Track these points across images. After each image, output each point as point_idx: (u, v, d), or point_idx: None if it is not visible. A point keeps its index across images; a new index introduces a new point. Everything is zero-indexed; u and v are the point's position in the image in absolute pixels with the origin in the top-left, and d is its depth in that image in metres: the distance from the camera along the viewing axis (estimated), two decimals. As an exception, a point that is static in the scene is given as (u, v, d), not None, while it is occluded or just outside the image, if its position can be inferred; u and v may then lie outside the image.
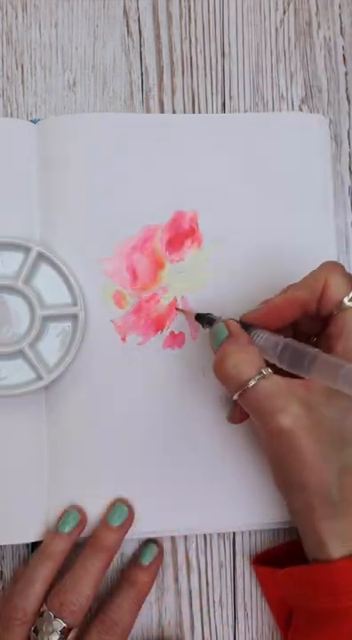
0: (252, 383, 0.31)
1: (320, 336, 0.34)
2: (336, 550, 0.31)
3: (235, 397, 0.32)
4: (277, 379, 0.31)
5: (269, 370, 0.31)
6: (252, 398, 0.31)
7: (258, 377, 0.31)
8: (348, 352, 0.31)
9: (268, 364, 0.32)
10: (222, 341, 0.33)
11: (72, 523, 0.37)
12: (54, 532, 0.36)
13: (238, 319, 0.34)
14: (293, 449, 0.30)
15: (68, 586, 0.34)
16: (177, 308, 0.39)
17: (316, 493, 0.31)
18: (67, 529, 0.36)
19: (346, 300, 0.31)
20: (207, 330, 0.36)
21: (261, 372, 0.31)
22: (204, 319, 0.36)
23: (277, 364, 0.31)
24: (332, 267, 0.33)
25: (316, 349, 0.30)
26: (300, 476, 0.31)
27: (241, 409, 0.33)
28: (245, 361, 0.31)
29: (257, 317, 0.33)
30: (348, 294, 0.31)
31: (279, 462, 0.32)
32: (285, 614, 0.37)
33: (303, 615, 0.34)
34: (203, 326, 0.37)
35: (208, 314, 0.36)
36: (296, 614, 0.35)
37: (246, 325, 0.34)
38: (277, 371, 0.31)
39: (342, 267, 0.33)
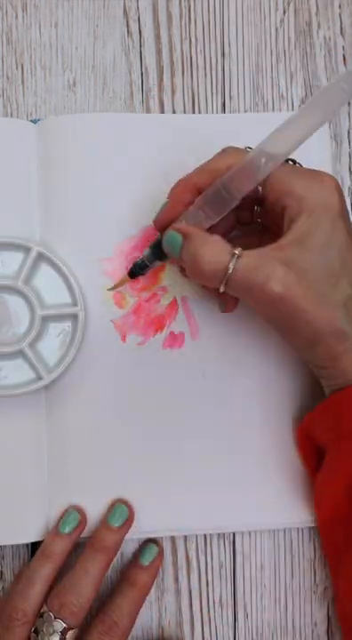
0: (231, 268, 0.31)
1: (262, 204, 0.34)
2: None
3: (222, 289, 0.32)
4: (251, 252, 0.31)
5: (240, 248, 0.31)
6: (236, 281, 0.31)
7: (233, 260, 0.31)
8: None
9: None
10: (182, 246, 0.32)
11: (72, 523, 0.37)
12: (54, 532, 0.36)
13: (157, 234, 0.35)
14: (293, 308, 0.31)
15: (68, 586, 0.34)
16: (110, 289, 0.38)
17: (329, 335, 0.31)
18: (67, 529, 0.36)
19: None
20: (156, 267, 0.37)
21: (234, 254, 0.31)
22: (136, 268, 0.37)
23: (214, 220, 0.32)
24: (229, 150, 0.33)
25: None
26: (310, 328, 0.31)
27: (230, 296, 0.34)
28: (214, 251, 0.31)
29: (167, 214, 0.34)
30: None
31: (286, 326, 0.32)
32: (316, 463, 0.37)
33: (329, 453, 0.35)
34: (143, 274, 0.37)
35: (134, 262, 0.37)
36: (328, 454, 0.35)
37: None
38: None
39: (236, 147, 0.33)
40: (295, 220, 0.31)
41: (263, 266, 0.30)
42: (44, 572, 0.35)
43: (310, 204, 0.31)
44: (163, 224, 0.34)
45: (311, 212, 0.31)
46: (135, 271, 0.37)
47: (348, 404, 0.32)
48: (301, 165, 0.34)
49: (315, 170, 0.33)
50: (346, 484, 0.33)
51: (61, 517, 0.37)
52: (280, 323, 0.33)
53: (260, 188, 0.32)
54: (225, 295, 0.33)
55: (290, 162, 0.33)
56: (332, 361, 0.32)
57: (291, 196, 0.31)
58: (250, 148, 0.33)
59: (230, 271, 0.31)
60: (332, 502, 0.35)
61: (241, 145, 0.39)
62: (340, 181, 0.41)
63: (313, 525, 0.39)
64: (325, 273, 0.31)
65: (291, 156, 0.33)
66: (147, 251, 0.36)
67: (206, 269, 0.31)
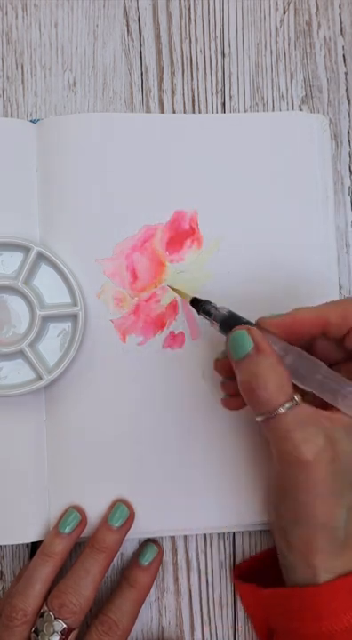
0: (281, 411, 0.30)
1: (344, 366, 0.33)
2: (322, 578, 0.31)
3: (258, 419, 0.31)
4: (306, 408, 0.30)
5: (300, 397, 0.30)
6: (277, 426, 0.30)
7: (290, 404, 0.30)
8: None
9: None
10: (248, 355, 0.31)
11: (72, 523, 0.37)
12: (54, 532, 0.36)
13: (253, 321, 0.33)
14: (309, 480, 0.30)
15: (68, 586, 0.34)
16: (170, 286, 0.37)
17: (322, 527, 0.30)
18: (67, 529, 0.36)
19: None
20: (210, 325, 0.34)
21: (294, 400, 0.30)
22: (201, 307, 0.34)
23: (309, 389, 0.31)
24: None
25: (323, 366, 0.30)
26: (311, 508, 0.30)
27: (241, 397, 0.32)
28: (277, 385, 0.30)
29: (278, 325, 0.32)
30: None
31: (290, 492, 0.31)
32: (267, 631, 0.36)
33: (284, 636, 0.34)
34: (198, 313, 0.34)
35: (207, 301, 0.34)
36: (277, 634, 0.34)
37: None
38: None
39: None
40: None
41: (310, 427, 0.29)
42: (44, 571, 0.35)
43: None
44: (263, 327, 0.32)
45: None
46: (198, 307, 0.34)
47: (319, 601, 0.30)
48: None
49: None
50: None
51: (61, 517, 0.37)
52: (288, 485, 0.31)
53: None
54: (236, 394, 0.32)
55: None
56: (305, 549, 0.31)
57: None
58: None
59: (280, 412, 0.30)
60: None
61: (241, 145, 0.40)
62: (340, 182, 0.41)
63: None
64: None
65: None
66: (220, 314, 0.33)
67: (259, 395, 0.30)
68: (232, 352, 0.31)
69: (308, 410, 0.30)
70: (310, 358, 0.31)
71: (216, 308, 0.34)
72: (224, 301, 0.39)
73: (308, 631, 0.31)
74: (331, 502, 0.30)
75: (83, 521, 0.37)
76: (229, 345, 0.32)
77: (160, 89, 0.41)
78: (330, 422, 0.30)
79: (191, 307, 0.35)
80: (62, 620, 0.34)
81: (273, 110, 0.41)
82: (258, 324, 0.33)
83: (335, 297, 0.40)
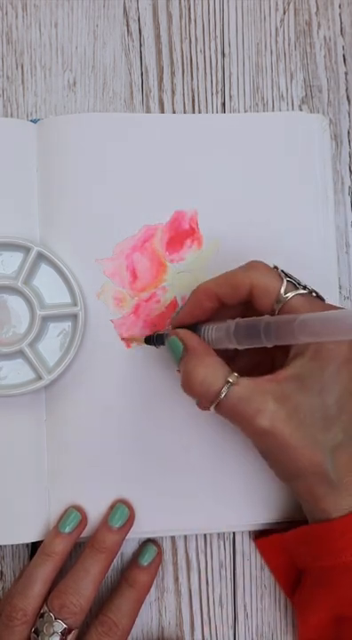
0: (223, 394, 0.31)
1: None
2: (333, 515, 0.32)
3: (211, 410, 0.32)
4: (246, 382, 0.31)
5: (236, 375, 0.31)
6: (226, 407, 0.31)
7: (227, 386, 0.31)
8: None
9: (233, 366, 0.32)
10: (181, 357, 0.33)
11: (72, 523, 0.37)
12: (54, 531, 0.36)
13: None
14: (279, 443, 0.30)
15: (68, 587, 0.35)
16: (125, 338, 0.38)
17: (312, 476, 0.31)
18: (67, 529, 0.36)
19: (281, 293, 0.31)
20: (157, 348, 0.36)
21: (228, 381, 0.31)
22: (153, 339, 0.36)
23: (237, 347, 0.31)
24: (255, 266, 0.33)
25: (266, 316, 0.30)
26: (293, 466, 0.31)
27: None
28: (210, 374, 0.31)
29: (184, 317, 0.34)
30: (279, 288, 0.31)
31: (270, 457, 0.33)
32: (291, 581, 0.37)
33: (309, 575, 0.35)
34: (156, 346, 0.36)
35: (155, 332, 0.37)
36: (304, 576, 0.36)
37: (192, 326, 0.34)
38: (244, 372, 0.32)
39: (264, 264, 0.33)
40: (300, 356, 0.31)
41: (255, 397, 0.30)
42: (44, 571, 0.35)
43: (319, 344, 0.31)
44: (178, 325, 0.35)
45: (317, 352, 0.31)
46: (150, 340, 0.37)
47: (333, 536, 0.32)
48: (323, 299, 0.33)
49: (332, 308, 0.32)
50: (329, 616, 0.34)
51: (62, 517, 0.37)
52: (265, 453, 0.33)
53: (276, 310, 0.32)
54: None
55: (313, 293, 0.32)
56: (312, 499, 0.32)
57: None
58: (276, 267, 0.33)
59: (222, 397, 0.31)
60: (317, 630, 0.35)
61: (241, 145, 0.40)
62: (340, 182, 0.41)
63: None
64: (319, 416, 0.31)
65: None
66: (155, 335, 0.36)
67: (198, 389, 0.31)
68: (173, 360, 0.34)
69: (248, 382, 0.31)
70: (249, 319, 0.32)
71: (162, 334, 0.36)
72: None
73: (330, 563, 0.32)
74: (309, 453, 0.30)
75: (83, 521, 0.37)
76: (169, 352, 0.34)
77: (160, 89, 0.41)
78: (275, 383, 0.31)
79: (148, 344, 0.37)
80: (62, 620, 0.34)
81: (273, 110, 0.41)
82: (173, 326, 0.35)
83: (335, 297, 0.40)
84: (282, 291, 0.31)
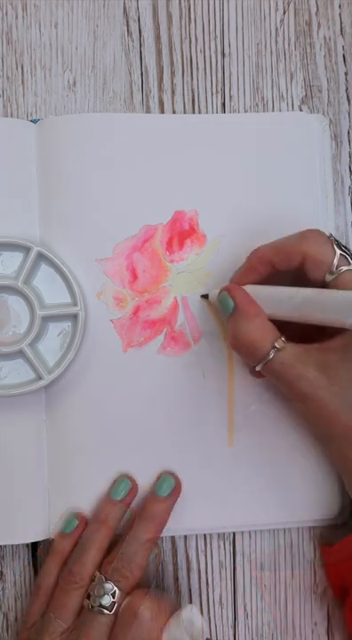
0: (268, 357, 0.32)
1: None
2: None
3: (258, 368, 0.33)
4: (292, 348, 0.32)
5: (283, 340, 0.32)
6: (271, 369, 0.33)
7: (273, 352, 0.32)
8: None
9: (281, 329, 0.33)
10: (231, 314, 0.33)
11: (124, 490, 0.37)
12: (107, 499, 0.37)
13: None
14: (318, 407, 0.32)
15: (120, 553, 0.35)
16: (202, 295, 0.39)
17: (344, 441, 0.32)
18: (119, 496, 0.37)
19: (334, 266, 0.32)
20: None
21: (275, 347, 0.32)
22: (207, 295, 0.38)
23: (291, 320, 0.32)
24: (310, 235, 0.33)
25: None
26: (329, 430, 0.32)
27: None
28: (259, 334, 0.32)
29: (239, 281, 0.35)
30: (332, 261, 0.32)
31: (308, 420, 0.35)
32: (341, 589, 0.37)
33: None
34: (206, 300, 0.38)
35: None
36: (349, 593, 0.36)
37: None
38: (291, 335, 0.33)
39: (319, 232, 0.33)
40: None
41: (299, 364, 0.32)
42: (98, 537, 0.36)
43: None
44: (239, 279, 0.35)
45: None
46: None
47: None
48: None
49: None
50: None
51: (113, 485, 0.37)
52: (304, 414, 0.34)
53: (329, 281, 0.33)
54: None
55: None
56: (344, 461, 0.33)
57: None
58: (331, 236, 0.33)
59: (269, 358, 0.32)
60: None
61: (241, 145, 0.40)
62: (340, 182, 0.41)
63: (313, 525, 0.39)
64: None
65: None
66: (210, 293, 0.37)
67: (244, 350, 0.33)
68: (221, 314, 0.35)
69: (294, 349, 0.32)
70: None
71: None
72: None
73: None
74: (344, 419, 0.32)
75: (134, 487, 0.38)
76: (218, 308, 0.35)
77: (160, 89, 0.41)
78: (319, 352, 0.32)
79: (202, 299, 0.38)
80: (114, 582, 0.34)
81: (273, 110, 0.41)
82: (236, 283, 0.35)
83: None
84: (334, 263, 0.32)
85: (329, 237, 0.33)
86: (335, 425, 0.32)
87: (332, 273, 0.32)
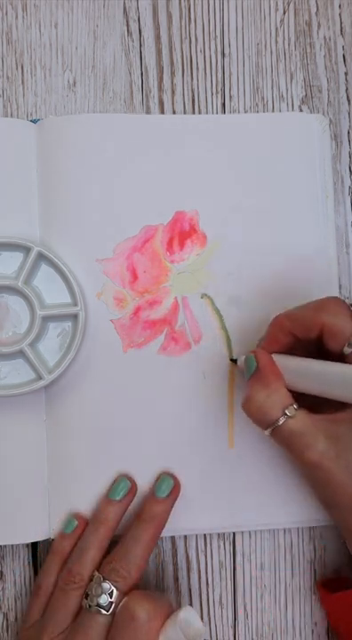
0: (279, 423, 0.32)
1: None
2: None
3: (266, 433, 0.33)
4: (302, 416, 0.32)
5: (295, 407, 0.32)
6: (280, 436, 0.32)
7: (283, 418, 0.32)
8: None
9: (296, 396, 0.33)
10: (250, 376, 0.34)
11: (123, 490, 0.37)
12: (106, 499, 0.37)
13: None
14: (324, 478, 0.32)
15: (118, 554, 0.35)
16: (232, 359, 0.39)
17: (348, 511, 0.32)
18: (118, 496, 0.37)
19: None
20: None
21: (285, 414, 0.32)
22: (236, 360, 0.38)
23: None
24: (327, 305, 0.33)
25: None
26: (333, 499, 0.33)
27: None
28: (269, 401, 0.32)
29: (267, 348, 0.35)
30: (350, 333, 0.32)
31: (314, 487, 0.34)
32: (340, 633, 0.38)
33: None
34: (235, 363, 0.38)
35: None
36: None
37: None
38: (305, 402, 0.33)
39: (337, 302, 0.33)
40: None
41: (308, 434, 0.32)
42: (97, 538, 0.36)
43: None
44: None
45: None
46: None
47: None
48: None
49: None
50: None
51: (112, 485, 0.37)
52: (311, 481, 0.34)
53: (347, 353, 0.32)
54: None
55: None
56: (348, 531, 0.33)
57: None
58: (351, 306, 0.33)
59: (278, 424, 0.32)
60: None
61: (241, 145, 0.40)
62: (340, 182, 0.41)
63: (313, 525, 0.39)
64: None
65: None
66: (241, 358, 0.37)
67: (254, 414, 0.33)
68: (244, 374, 0.35)
69: (305, 417, 0.32)
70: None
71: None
72: (225, 301, 0.39)
73: None
74: (350, 490, 0.32)
75: (133, 488, 0.38)
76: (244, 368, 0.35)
77: (160, 89, 0.41)
78: (330, 423, 0.32)
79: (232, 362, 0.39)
80: (111, 582, 0.34)
81: (273, 110, 0.41)
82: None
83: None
84: None
85: (350, 307, 0.33)
86: (341, 495, 0.32)
87: (350, 344, 0.32)
